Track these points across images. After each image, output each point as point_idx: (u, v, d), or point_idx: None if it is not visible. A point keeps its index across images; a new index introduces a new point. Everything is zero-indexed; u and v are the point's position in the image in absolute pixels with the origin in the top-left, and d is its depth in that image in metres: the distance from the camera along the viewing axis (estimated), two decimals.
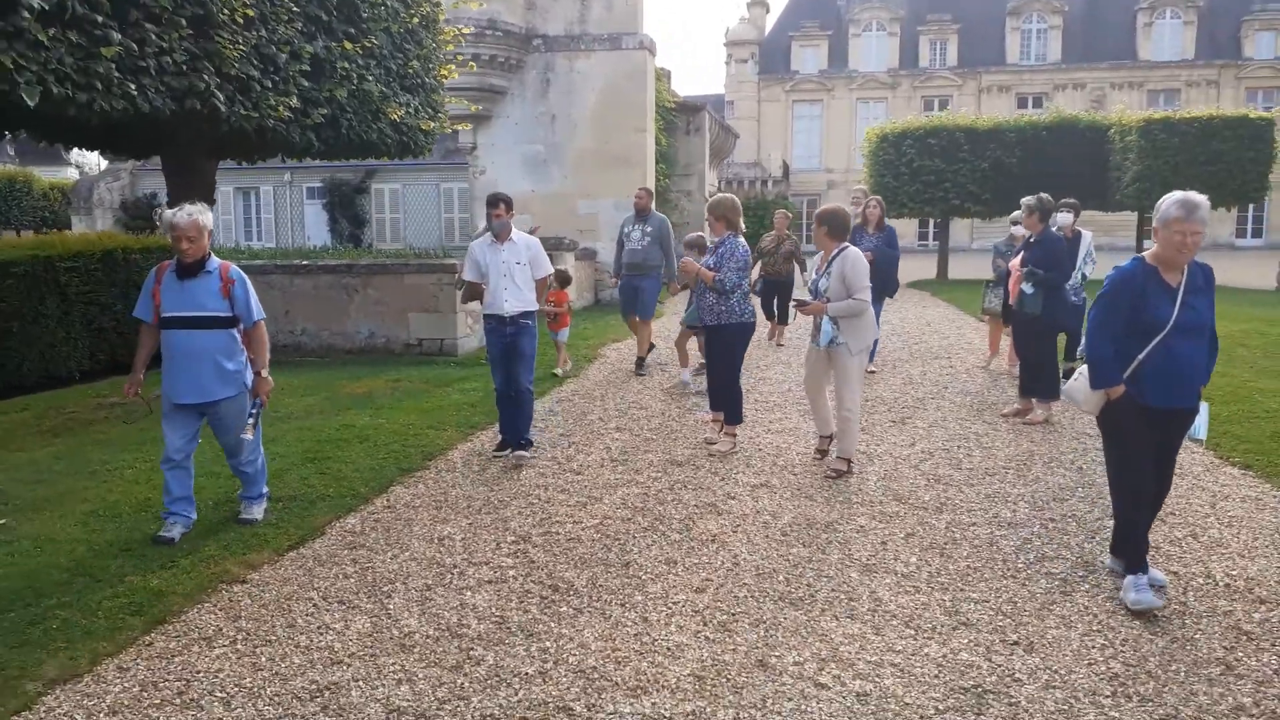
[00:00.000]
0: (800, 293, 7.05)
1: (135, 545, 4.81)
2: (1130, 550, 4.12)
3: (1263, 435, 6.81)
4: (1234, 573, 4.38)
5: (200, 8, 5.81)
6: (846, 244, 6.12)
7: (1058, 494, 5.62)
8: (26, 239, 10.97)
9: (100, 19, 5.06)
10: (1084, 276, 8.80)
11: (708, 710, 3.25)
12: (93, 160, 43.38)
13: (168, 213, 4.86)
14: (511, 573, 4.49)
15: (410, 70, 8.54)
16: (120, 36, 5.18)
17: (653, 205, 10.32)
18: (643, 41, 17.69)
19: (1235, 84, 44.89)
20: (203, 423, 5.04)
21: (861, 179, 27.29)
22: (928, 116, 29.77)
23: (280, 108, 6.71)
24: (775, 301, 11.80)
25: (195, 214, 4.81)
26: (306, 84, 7.07)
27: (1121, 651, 3.64)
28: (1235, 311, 13.62)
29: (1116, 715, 3.20)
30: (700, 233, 9.39)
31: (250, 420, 5.00)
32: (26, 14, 4.53)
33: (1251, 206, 30.01)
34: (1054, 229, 8.07)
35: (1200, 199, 4.03)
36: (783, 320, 11.86)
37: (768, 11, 51.88)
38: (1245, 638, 3.73)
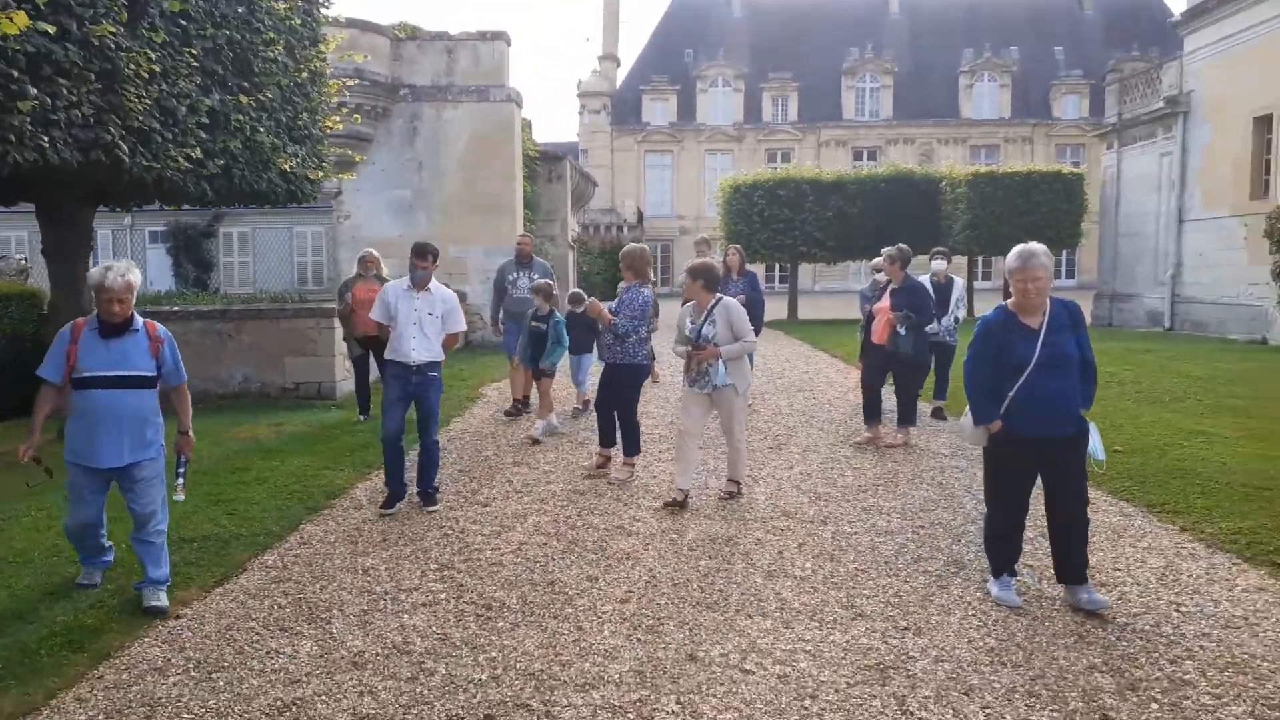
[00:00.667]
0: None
1: (56, 588, 4.81)
2: (993, 558, 4.71)
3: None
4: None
5: (108, 63, 5.89)
6: (719, 294, 6.53)
7: (924, 505, 6.32)
8: None
9: (15, 74, 5.11)
10: (957, 320, 9.54)
11: (651, 698, 3.64)
12: None
13: (93, 271, 4.60)
14: (443, 596, 4.76)
15: (300, 122, 8.72)
16: (35, 91, 5.24)
17: (533, 251, 10.50)
18: (510, 94, 18.20)
19: (1046, 140, 49.29)
20: (109, 490, 4.76)
21: (715, 226, 28.54)
22: (775, 169, 31.45)
23: (180, 158, 6.80)
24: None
25: (125, 273, 4.57)
26: (204, 136, 7.17)
27: (994, 630, 4.26)
28: None
29: (995, 678, 3.78)
30: (579, 289, 10.03)
31: (180, 480, 4.85)
32: None
33: (1065, 251, 32.89)
34: (928, 276, 8.98)
35: (1035, 248, 4.48)
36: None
37: (618, 65, 53.52)
38: (1091, 616, 4.40)
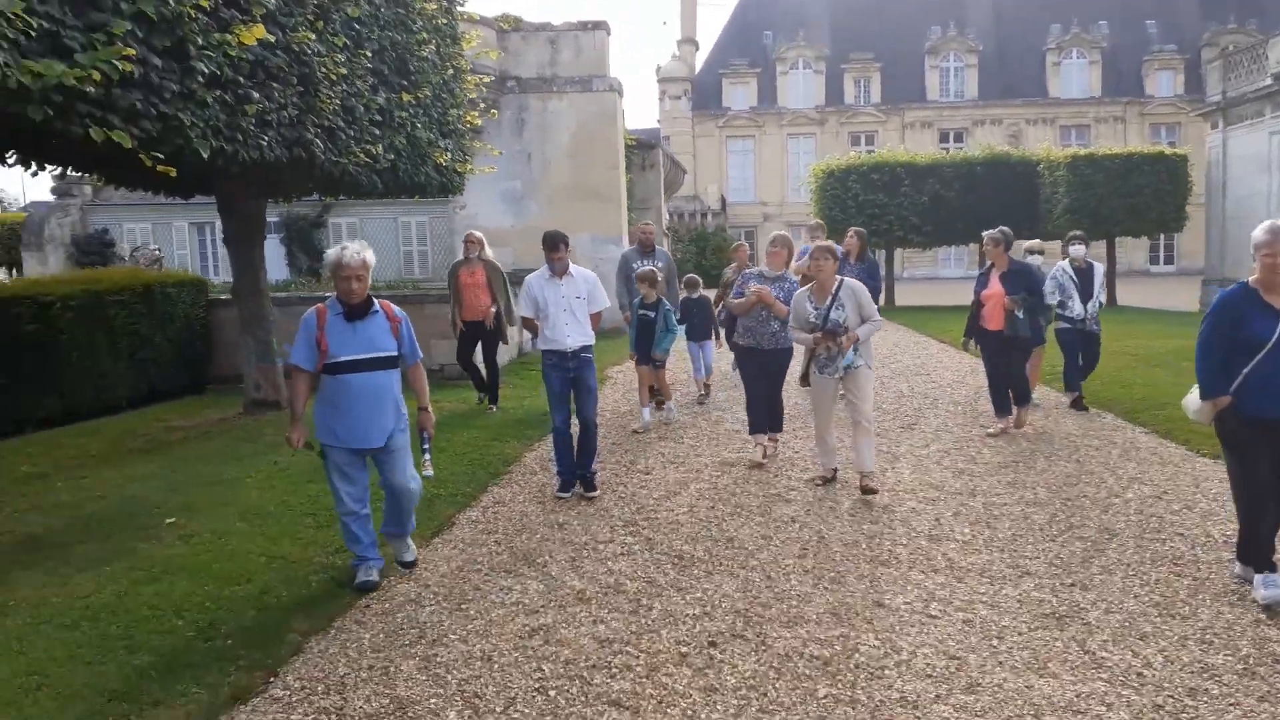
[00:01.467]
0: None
1: (301, 535, 5.47)
2: (1254, 554, 4.48)
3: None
4: (1228, 532, 5.39)
5: (306, 67, 6.54)
6: (840, 276, 6.46)
7: (1066, 480, 6.63)
8: (74, 275, 11.34)
9: (241, 80, 5.76)
10: (1101, 304, 9.17)
11: (851, 634, 4.10)
12: (14, 193, 42.29)
13: (330, 252, 4.71)
14: (636, 547, 5.28)
15: (449, 118, 9.34)
16: (258, 95, 5.90)
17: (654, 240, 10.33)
18: (612, 84, 18.69)
19: (1140, 120, 47.96)
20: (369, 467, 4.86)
21: (808, 210, 28.69)
22: (861, 152, 31.39)
23: (360, 154, 7.45)
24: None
25: (361, 251, 4.71)
26: (376, 133, 7.82)
27: (1158, 588, 4.60)
28: (1168, 330, 15.12)
29: (1166, 628, 4.14)
30: (694, 275, 10.30)
31: (426, 456, 5.02)
32: (200, 78, 5.24)
33: (1164, 235, 32.24)
34: (1067, 261, 8.86)
35: None
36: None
37: (697, 49, 53.58)
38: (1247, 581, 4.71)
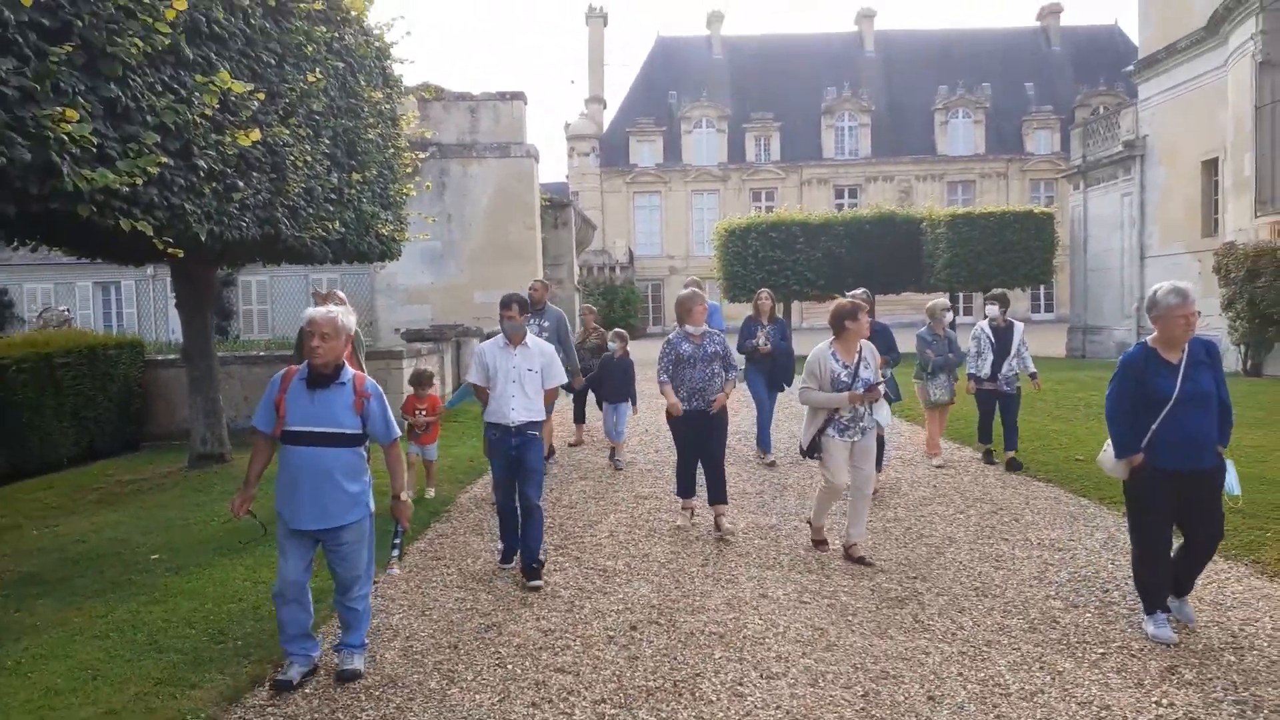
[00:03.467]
0: None
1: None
2: (1145, 596, 4.87)
3: (1058, 460, 9.45)
4: (1044, 538, 6.72)
5: (278, 157, 7.54)
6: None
7: (922, 501, 7.93)
8: (24, 337, 11.85)
9: (230, 171, 6.74)
10: (1023, 365, 9.13)
11: (741, 617, 5.22)
12: None
13: (308, 310, 4.54)
14: (567, 564, 6.32)
15: (390, 192, 10.37)
16: (243, 184, 6.87)
17: (547, 298, 9.86)
18: (529, 150, 19.95)
19: (1021, 175, 51.61)
20: (317, 551, 4.56)
21: (710, 267, 30.31)
22: (763, 210, 33.26)
23: (319, 229, 8.44)
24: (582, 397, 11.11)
25: (336, 312, 4.45)
26: (330, 209, 8.81)
27: (980, 579, 5.86)
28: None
29: (979, 604, 5.37)
30: (620, 330, 10.30)
31: (395, 553, 4.80)
32: (201, 173, 6.21)
33: (1043, 286, 34.75)
34: (985, 321, 9.08)
35: (1188, 286, 4.72)
36: (580, 419, 11.39)
37: (605, 107, 55.44)
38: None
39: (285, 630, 4.49)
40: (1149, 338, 4.85)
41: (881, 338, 8.07)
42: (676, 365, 6.99)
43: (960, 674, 4.41)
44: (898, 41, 54.79)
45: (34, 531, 7.65)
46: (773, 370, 9.83)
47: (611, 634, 5.03)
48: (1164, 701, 4.08)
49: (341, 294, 7.88)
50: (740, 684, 4.36)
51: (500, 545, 6.39)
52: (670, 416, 7.07)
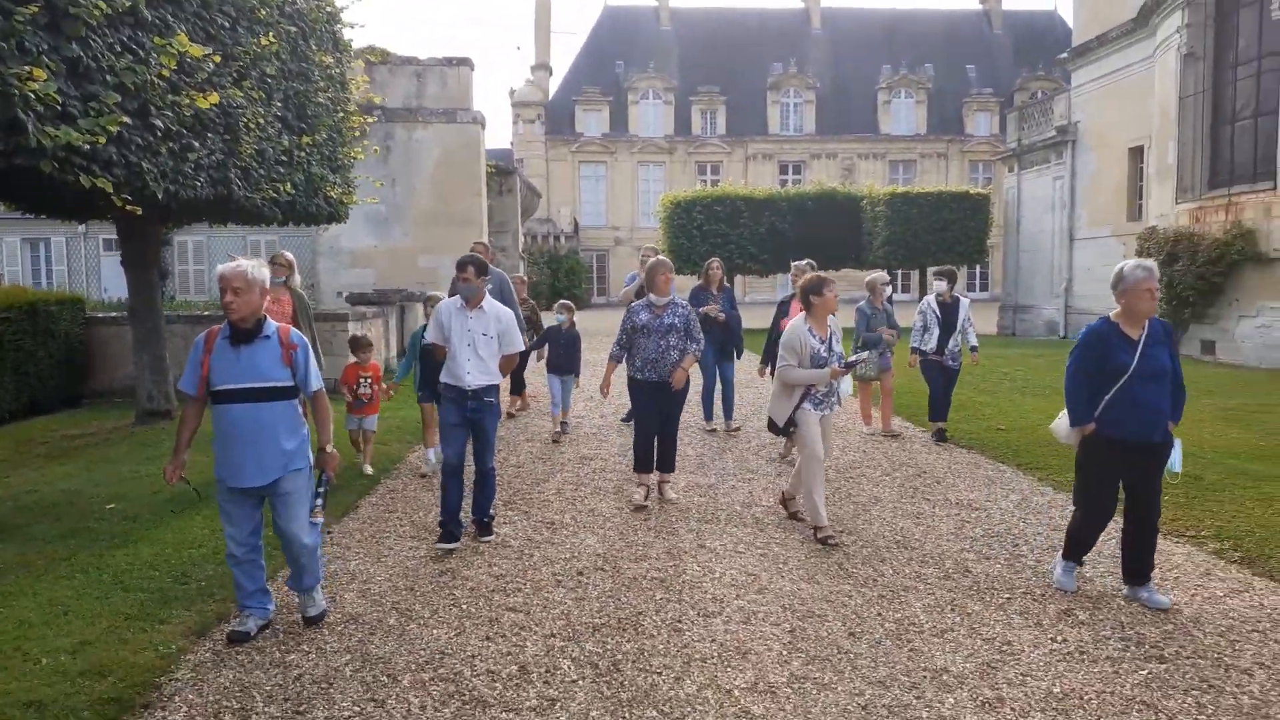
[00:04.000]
0: None
1: None
2: (1070, 547, 5.18)
3: (980, 429, 9.99)
4: (963, 498, 7.21)
5: (232, 119, 7.63)
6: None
7: (851, 465, 8.39)
8: None
9: (185, 132, 6.83)
10: (965, 342, 9.36)
11: (681, 565, 5.59)
12: None
13: (219, 267, 4.39)
14: (516, 518, 6.63)
15: (339, 156, 10.46)
16: (198, 144, 6.97)
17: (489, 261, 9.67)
18: (475, 117, 19.96)
19: (961, 156, 52.66)
20: (263, 507, 4.62)
21: (653, 238, 30.63)
22: (710, 186, 33.66)
23: (269, 191, 8.54)
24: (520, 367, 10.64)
25: (245, 265, 4.37)
26: (281, 171, 8.90)
27: (901, 531, 6.31)
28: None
29: (899, 554, 5.82)
30: (567, 301, 10.14)
31: (319, 503, 4.65)
32: (158, 133, 6.31)
33: (979, 265, 35.66)
34: (933, 296, 9.27)
35: (1152, 263, 4.94)
36: (519, 389, 11.40)
37: (550, 74, 55.08)
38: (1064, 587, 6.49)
39: (242, 588, 4.56)
40: (1112, 313, 4.99)
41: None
42: (633, 334, 6.98)
43: (879, 614, 4.84)
44: (844, 20, 55.32)
45: None
46: (724, 339, 9.78)
47: (559, 578, 5.37)
48: (1058, 638, 4.54)
49: (289, 255, 7.83)
50: (679, 621, 4.73)
51: (439, 525, 6.02)
52: (604, 390, 7.25)
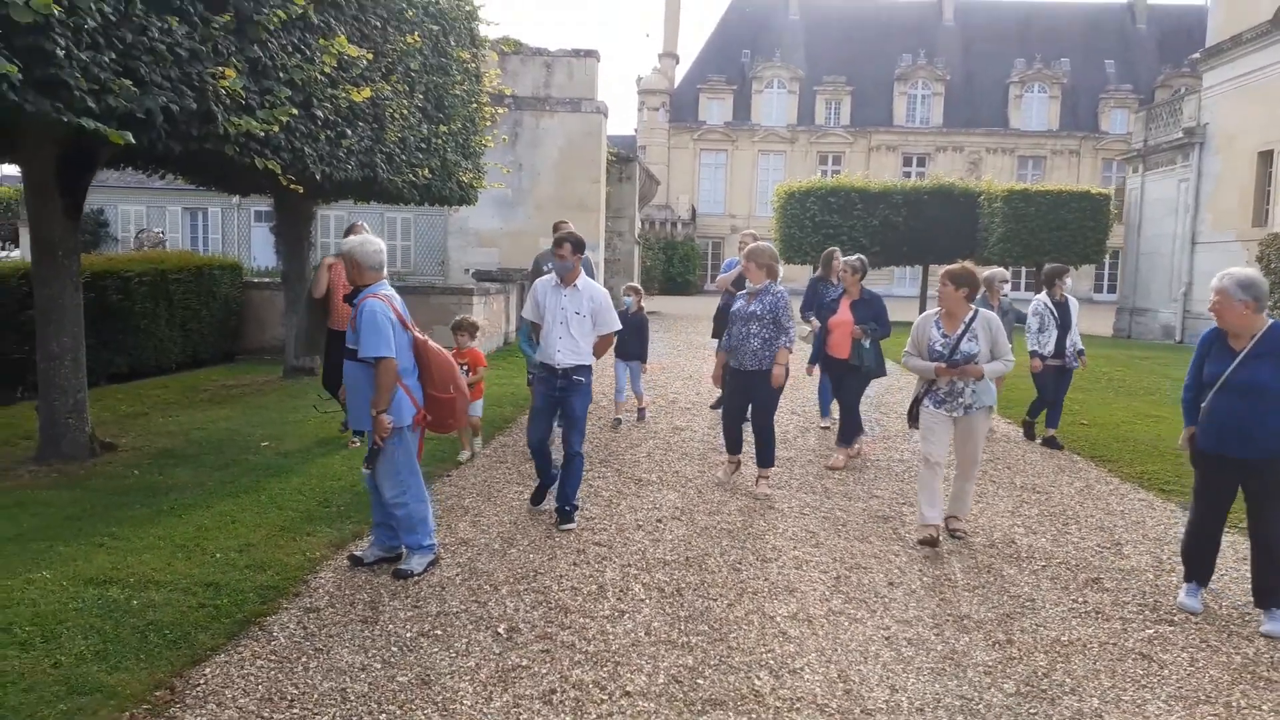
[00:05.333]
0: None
1: None
2: (1185, 563, 5.02)
3: (1064, 423, 10.28)
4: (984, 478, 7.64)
5: (378, 109, 8.65)
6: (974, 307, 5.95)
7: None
8: (142, 255, 13.26)
9: (340, 121, 7.87)
10: (1074, 347, 8.86)
11: (750, 521, 6.27)
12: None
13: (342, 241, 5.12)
14: (609, 475, 7.42)
15: (471, 143, 11.46)
16: (350, 132, 8.00)
17: None
18: (599, 107, 20.88)
19: (1093, 154, 50.88)
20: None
21: (768, 227, 31.04)
22: (829, 177, 33.79)
23: (410, 175, 9.57)
24: None
25: (361, 238, 5.06)
26: (420, 157, 9.92)
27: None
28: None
29: (903, 528, 6.35)
30: (635, 284, 9.82)
31: (367, 470, 5.00)
32: (317, 122, 7.35)
33: (1109, 265, 34.80)
34: (1045, 294, 8.77)
35: (1244, 274, 4.68)
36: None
37: (677, 63, 55.77)
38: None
39: (373, 514, 5.25)
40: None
41: (869, 306, 8.02)
42: (729, 321, 7.07)
43: (920, 570, 5.42)
44: (977, 12, 54.06)
45: (159, 419, 8.99)
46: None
47: (640, 524, 6.13)
48: (1080, 600, 5.04)
49: (365, 226, 7.25)
50: (739, 563, 5.42)
51: (538, 481, 6.33)
52: (716, 381, 7.50)
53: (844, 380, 8.14)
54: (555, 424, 6.40)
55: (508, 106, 20.55)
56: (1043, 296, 8.99)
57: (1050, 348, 8.82)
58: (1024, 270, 31.00)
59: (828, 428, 9.48)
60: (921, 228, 26.36)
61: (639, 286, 9.87)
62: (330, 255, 8.00)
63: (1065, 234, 25.02)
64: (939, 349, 5.83)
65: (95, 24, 5.08)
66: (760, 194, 52.25)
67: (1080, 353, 9.06)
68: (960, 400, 5.83)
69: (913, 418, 6.04)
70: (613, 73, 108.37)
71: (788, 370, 6.89)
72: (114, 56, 5.28)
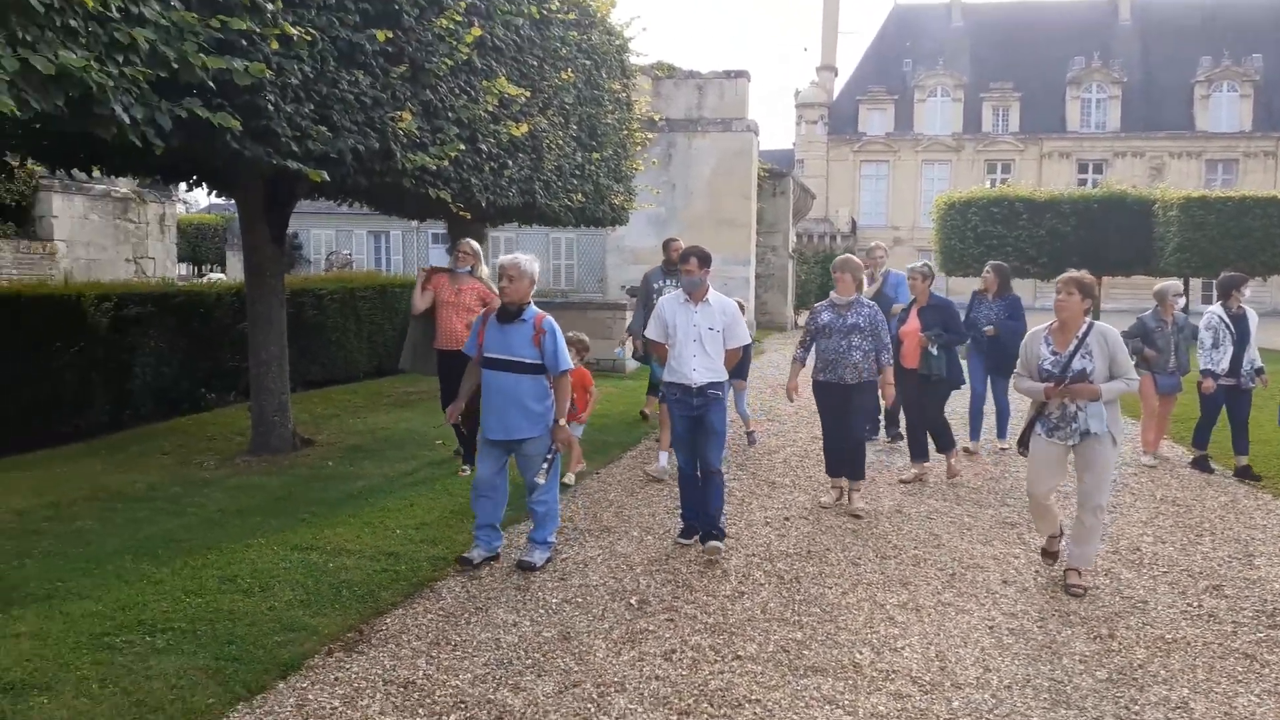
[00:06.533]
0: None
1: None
2: None
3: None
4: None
5: (537, 141, 9.50)
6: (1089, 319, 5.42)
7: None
8: (330, 275, 14.78)
9: (502, 154, 8.74)
10: (1253, 365, 8.17)
11: (874, 521, 6.61)
12: (194, 197, 47.56)
13: (501, 257, 5.45)
14: (744, 478, 7.90)
15: (622, 168, 12.23)
16: (512, 164, 8.90)
17: None
18: (750, 125, 21.39)
19: None
20: (509, 459, 5.50)
21: (929, 239, 30.61)
22: (992, 186, 32.97)
23: (566, 200, 10.41)
24: None
25: (519, 257, 5.29)
26: (575, 183, 10.75)
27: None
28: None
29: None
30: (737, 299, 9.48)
31: (545, 465, 5.31)
32: (481, 154, 8.23)
33: None
34: (1218, 306, 8.18)
35: None
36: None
37: (836, 75, 55.49)
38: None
39: (477, 519, 5.51)
40: None
41: (938, 313, 7.65)
42: (815, 335, 6.89)
43: (1036, 572, 5.63)
44: (1156, 9, 51.25)
45: (350, 420, 10.13)
46: (995, 352, 8.78)
47: (769, 521, 6.59)
48: (1195, 604, 5.14)
49: (474, 244, 7.60)
50: (858, 559, 5.81)
51: (680, 519, 6.12)
52: (790, 393, 7.08)
53: (923, 393, 7.66)
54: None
55: (661, 129, 21.39)
56: (1216, 308, 8.31)
57: (1224, 365, 8.12)
58: (1200, 283, 29.22)
59: (974, 452, 8.96)
60: (1092, 238, 25.38)
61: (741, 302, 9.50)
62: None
63: (1249, 242, 23.57)
64: (1048, 367, 5.25)
65: (298, 81, 6.03)
66: (925, 204, 51.05)
67: (1259, 371, 8.27)
68: (1075, 426, 5.22)
69: (1024, 445, 5.50)
70: (770, 86, 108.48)
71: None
72: (312, 107, 6.23)
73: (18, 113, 4.15)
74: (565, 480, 7.18)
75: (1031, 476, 5.50)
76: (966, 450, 8.90)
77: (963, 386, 8.38)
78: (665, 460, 7.72)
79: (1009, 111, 50.97)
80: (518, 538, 5.93)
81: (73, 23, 4.41)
